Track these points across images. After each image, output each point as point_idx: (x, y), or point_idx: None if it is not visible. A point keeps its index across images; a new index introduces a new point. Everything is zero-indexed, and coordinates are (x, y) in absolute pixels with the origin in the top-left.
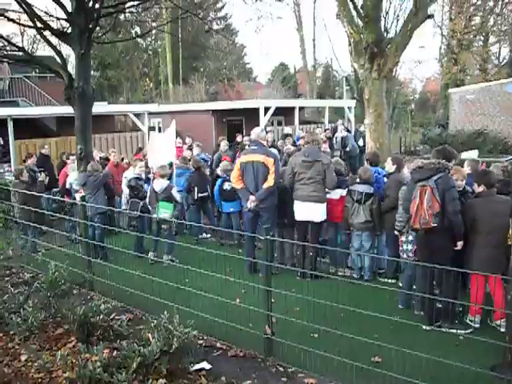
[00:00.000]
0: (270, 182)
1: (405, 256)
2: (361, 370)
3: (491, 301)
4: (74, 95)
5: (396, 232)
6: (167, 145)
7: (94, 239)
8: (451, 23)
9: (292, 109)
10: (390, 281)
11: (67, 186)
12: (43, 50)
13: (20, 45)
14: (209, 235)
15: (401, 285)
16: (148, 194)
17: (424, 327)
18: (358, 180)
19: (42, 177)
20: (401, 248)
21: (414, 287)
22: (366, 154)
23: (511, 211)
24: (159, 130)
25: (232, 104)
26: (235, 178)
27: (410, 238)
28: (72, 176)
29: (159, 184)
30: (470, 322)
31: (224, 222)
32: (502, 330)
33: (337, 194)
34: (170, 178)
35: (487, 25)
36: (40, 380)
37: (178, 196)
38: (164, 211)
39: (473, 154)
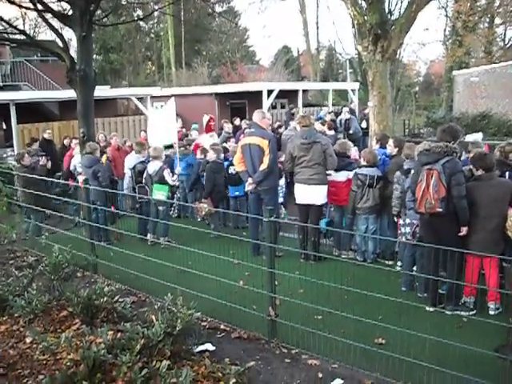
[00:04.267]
0: (265, 163)
1: (404, 239)
2: (364, 351)
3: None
4: (75, 78)
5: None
6: (167, 124)
7: (97, 223)
8: (456, 4)
9: (295, 91)
10: (387, 262)
11: (71, 168)
12: (45, 35)
13: (21, 28)
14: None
15: (399, 266)
16: (144, 176)
17: (427, 309)
18: (364, 163)
19: (43, 161)
20: (399, 231)
21: (415, 269)
22: (376, 135)
23: (509, 196)
24: None
25: (235, 87)
26: (237, 161)
27: (408, 220)
28: (76, 159)
29: (152, 166)
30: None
31: (233, 207)
32: (491, 312)
33: (343, 176)
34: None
35: (493, 6)
36: (45, 362)
37: (169, 178)
38: (158, 193)
39: (477, 136)
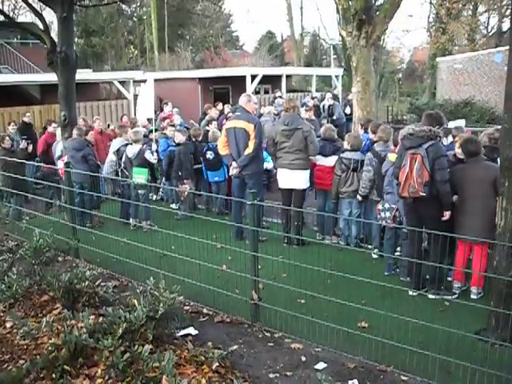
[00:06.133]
0: (251, 148)
1: (384, 224)
2: (347, 335)
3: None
4: (56, 60)
5: (359, 197)
6: (146, 99)
7: (83, 206)
8: None
9: (279, 77)
10: (370, 246)
11: (58, 154)
12: (25, 17)
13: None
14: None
15: (374, 253)
16: (123, 160)
17: (410, 293)
18: (348, 147)
19: (23, 144)
20: (378, 216)
21: (397, 254)
22: (361, 120)
23: (495, 178)
24: None
25: (218, 72)
26: (221, 145)
27: (387, 205)
28: (61, 144)
29: (132, 149)
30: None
31: (214, 192)
32: (473, 296)
33: (332, 161)
34: (156, 142)
35: None
36: (26, 346)
37: (151, 158)
38: (138, 176)
39: (460, 123)
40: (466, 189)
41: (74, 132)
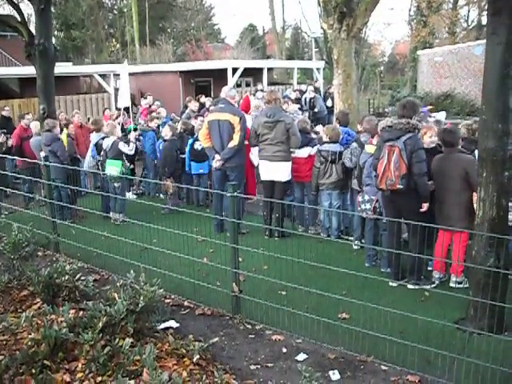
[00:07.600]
0: (236, 140)
1: (364, 215)
2: (328, 326)
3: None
4: (34, 53)
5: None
6: (122, 87)
7: (59, 201)
8: None
9: (260, 70)
10: (351, 238)
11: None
12: (2, 9)
13: None
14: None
15: (355, 245)
16: (101, 153)
17: (390, 283)
18: (327, 139)
19: (2, 138)
20: (359, 208)
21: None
22: (336, 114)
23: (466, 171)
24: None
25: (200, 65)
26: (203, 137)
27: (367, 197)
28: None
29: (106, 142)
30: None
31: (195, 184)
32: (452, 284)
33: (305, 152)
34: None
35: None
36: (5, 342)
37: (126, 149)
38: (111, 168)
39: (441, 115)
40: (441, 179)
41: (44, 126)
